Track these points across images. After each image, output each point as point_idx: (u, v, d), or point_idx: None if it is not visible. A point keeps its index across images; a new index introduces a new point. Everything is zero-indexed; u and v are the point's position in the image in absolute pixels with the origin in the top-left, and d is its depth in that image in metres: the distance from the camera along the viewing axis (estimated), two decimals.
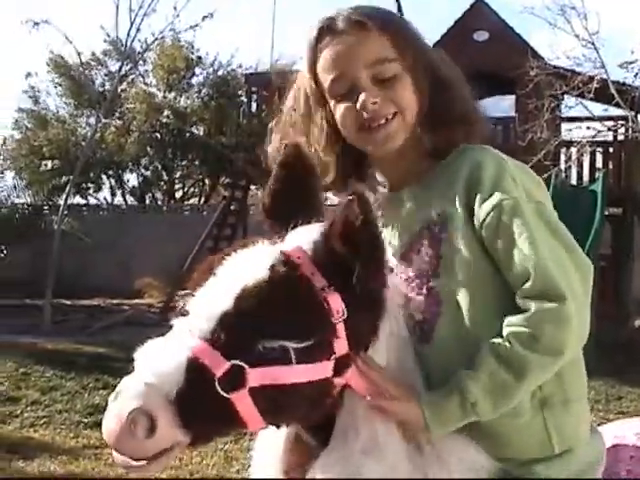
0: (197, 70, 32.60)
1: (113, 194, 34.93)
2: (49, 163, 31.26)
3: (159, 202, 34.11)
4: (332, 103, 2.31)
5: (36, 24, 19.22)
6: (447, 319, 2.16)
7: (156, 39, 21.71)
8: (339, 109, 2.29)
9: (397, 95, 2.24)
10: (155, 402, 1.79)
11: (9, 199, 23.65)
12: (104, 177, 33.58)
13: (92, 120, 28.13)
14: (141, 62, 29.57)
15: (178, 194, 35.52)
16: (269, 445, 2.20)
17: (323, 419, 2.06)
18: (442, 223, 2.18)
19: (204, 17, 20.68)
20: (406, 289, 2.23)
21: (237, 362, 1.83)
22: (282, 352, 1.86)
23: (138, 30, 19.24)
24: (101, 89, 29.23)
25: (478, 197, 2.13)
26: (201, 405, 1.84)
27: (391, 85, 2.24)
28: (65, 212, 19.67)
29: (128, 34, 19.37)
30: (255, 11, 69.68)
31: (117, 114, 30.00)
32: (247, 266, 1.95)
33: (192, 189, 36.08)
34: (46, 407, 10.35)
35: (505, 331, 2.06)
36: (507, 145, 15.90)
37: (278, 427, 2.02)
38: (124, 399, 1.81)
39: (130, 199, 34.87)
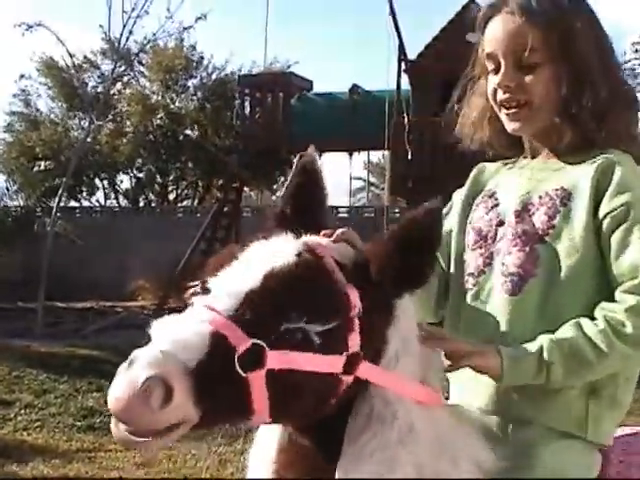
0: (193, 72, 32.67)
1: (106, 197, 34.99)
2: (42, 164, 31.28)
3: (152, 204, 34.14)
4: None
5: (29, 27, 19.21)
6: (539, 281, 2.25)
7: (149, 41, 21.75)
8: (488, 81, 2.41)
9: (531, 84, 2.32)
10: (173, 371, 1.74)
11: (1, 202, 23.68)
12: (97, 180, 33.63)
13: (85, 122, 28.12)
14: (137, 63, 29.62)
15: (171, 196, 35.56)
16: (263, 447, 2.18)
17: (317, 422, 2.02)
18: (565, 197, 2.28)
19: (197, 18, 20.73)
20: (510, 243, 2.32)
21: (259, 341, 1.81)
22: (302, 337, 1.86)
23: (131, 32, 19.27)
24: (94, 91, 29.21)
25: (611, 189, 2.22)
26: (217, 381, 1.80)
27: (529, 73, 2.31)
28: (58, 214, 19.67)
29: (121, 35, 19.41)
30: (250, 14, 70.03)
31: (111, 116, 30.03)
32: (272, 251, 1.96)
33: (185, 191, 36.13)
34: (39, 410, 10.33)
35: (599, 312, 2.14)
36: None
37: (277, 422, 1.98)
38: (138, 366, 1.74)
39: (123, 201, 34.92)
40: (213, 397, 1.80)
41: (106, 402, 1.80)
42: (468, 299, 2.39)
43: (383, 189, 29.08)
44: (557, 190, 2.29)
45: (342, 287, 1.92)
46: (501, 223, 2.37)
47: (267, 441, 2.16)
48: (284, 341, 1.84)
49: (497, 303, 2.29)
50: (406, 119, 19.50)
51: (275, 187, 34.61)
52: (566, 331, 2.13)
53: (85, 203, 33.56)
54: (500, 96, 2.36)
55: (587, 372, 2.14)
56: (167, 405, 1.72)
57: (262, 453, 2.18)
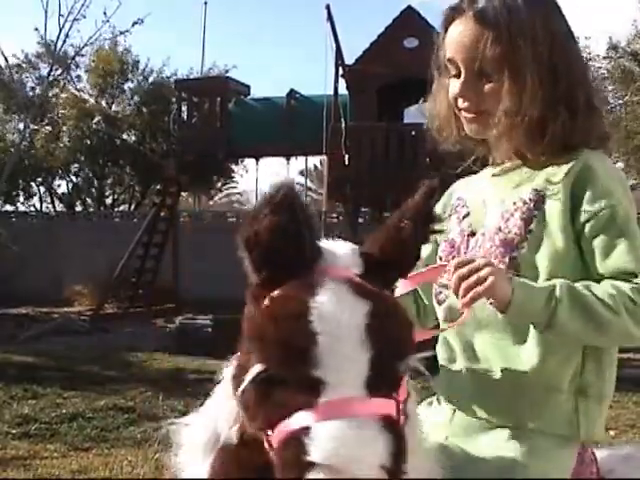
0: (130, 76, 32.50)
1: (42, 201, 34.65)
2: None
3: (89, 209, 33.87)
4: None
5: None
6: None
7: (86, 44, 21.54)
8: (450, 85, 2.39)
9: (489, 94, 2.29)
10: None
11: None
12: (33, 184, 33.30)
13: (21, 126, 27.84)
14: (74, 67, 29.37)
15: (108, 201, 35.32)
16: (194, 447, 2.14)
17: None
18: (538, 200, 2.25)
19: (134, 23, 20.57)
20: (491, 255, 2.27)
21: (396, 397, 1.73)
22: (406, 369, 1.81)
23: (67, 36, 19.09)
24: (32, 94, 28.88)
25: (589, 193, 2.20)
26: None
27: (488, 82, 2.29)
28: None
29: (57, 39, 19.22)
30: (187, 19, 69.78)
31: (47, 120, 29.73)
32: (346, 305, 1.75)
33: (122, 196, 35.89)
34: None
35: (607, 283, 2.12)
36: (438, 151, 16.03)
37: None
38: None
39: (60, 206, 34.60)
40: None
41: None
42: (441, 312, 2.39)
43: (321, 194, 29.07)
44: (531, 194, 2.27)
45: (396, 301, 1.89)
46: (473, 234, 2.36)
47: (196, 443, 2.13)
48: (399, 379, 1.79)
49: (480, 315, 2.24)
50: (343, 124, 19.55)
51: (212, 192, 34.49)
52: (577, 285, 2.11)
53: (21, 208, 33.24)
54: (460, 104, 2.35)
55: (588, 321, 2.08)
56: None
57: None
